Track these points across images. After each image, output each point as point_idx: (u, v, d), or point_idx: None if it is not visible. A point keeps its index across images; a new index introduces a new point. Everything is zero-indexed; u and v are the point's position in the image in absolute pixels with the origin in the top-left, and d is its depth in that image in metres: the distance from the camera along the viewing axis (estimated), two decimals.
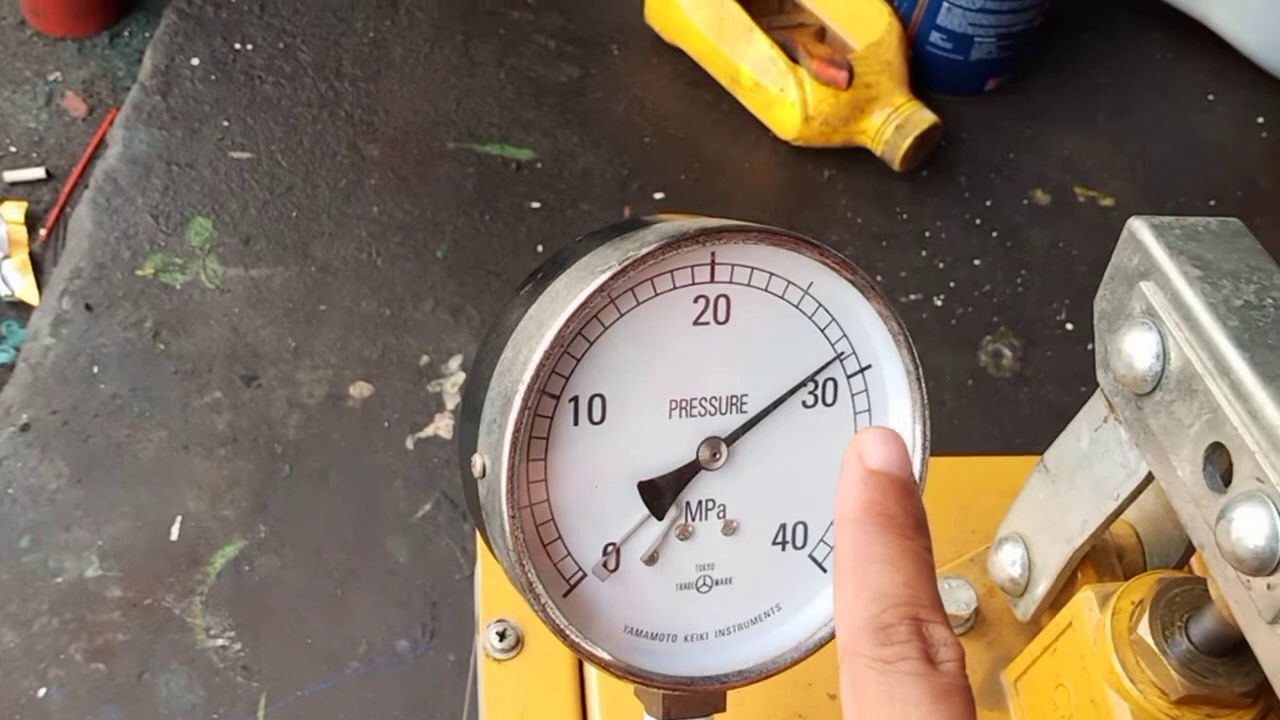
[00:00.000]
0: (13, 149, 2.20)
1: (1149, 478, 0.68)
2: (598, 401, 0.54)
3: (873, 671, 0.44)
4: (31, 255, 2.06)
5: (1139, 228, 0.66)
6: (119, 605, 1.71)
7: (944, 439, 0.58)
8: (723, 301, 0.55)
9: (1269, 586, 0.55)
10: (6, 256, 2.04)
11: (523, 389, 0.51)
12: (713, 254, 0.54)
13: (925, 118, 2.20)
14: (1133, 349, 0.64)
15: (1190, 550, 0.79)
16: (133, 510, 1.78)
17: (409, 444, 1.88)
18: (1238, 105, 2.50)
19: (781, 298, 0.56)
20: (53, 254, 2.06)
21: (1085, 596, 0.72)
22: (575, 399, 0.53)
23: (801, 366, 0.57)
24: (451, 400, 1.93)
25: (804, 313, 0.56)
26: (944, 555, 0.85)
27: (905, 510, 0.49)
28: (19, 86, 2.27)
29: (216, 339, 1.95)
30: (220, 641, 1.70)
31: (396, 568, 1.78)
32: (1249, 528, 0.55)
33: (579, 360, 0.53)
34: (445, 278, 2.06)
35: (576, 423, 0.54)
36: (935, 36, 2.32)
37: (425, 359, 1.96)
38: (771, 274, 0.55)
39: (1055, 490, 0.76)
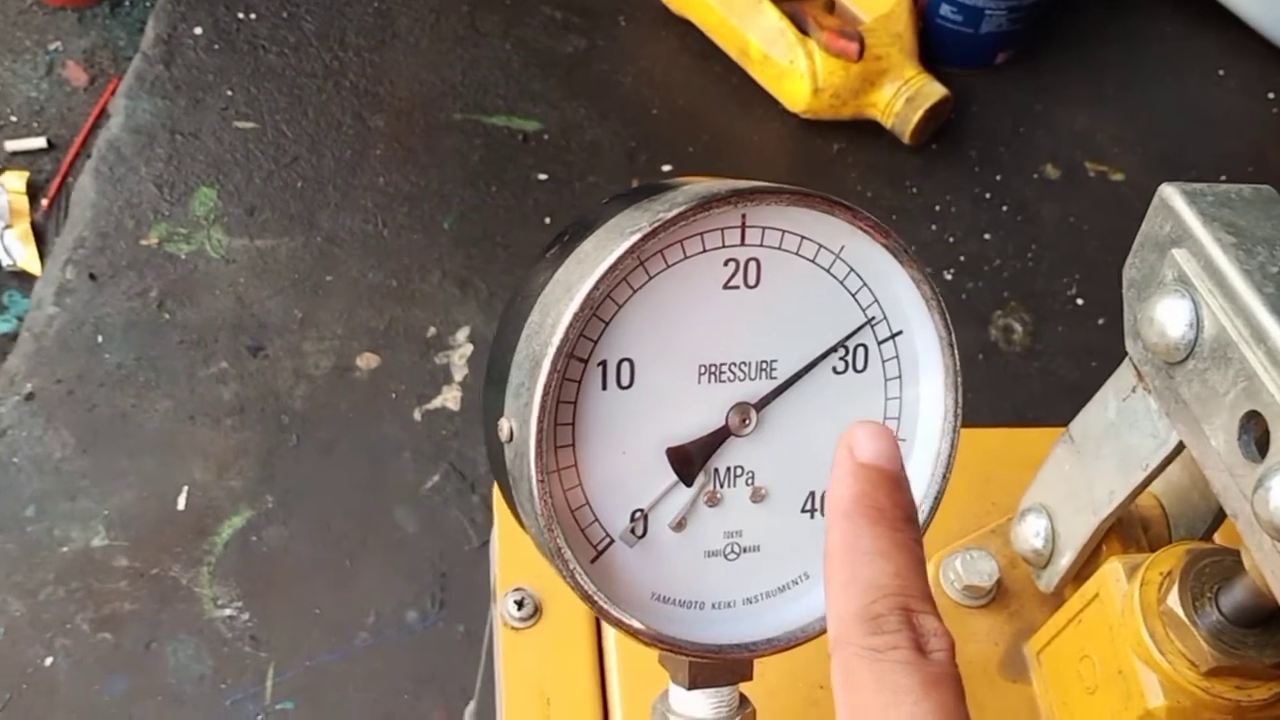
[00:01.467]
0: (14, 118, 2.20)
1: (1179, 448, 0.67)
2: (626, 366, 0.53)
3: (864, 660, 0.45)
4: (33, 225, 2.06)
5: (1171, 194, 0.65)
6: (126, 575, 1.72)
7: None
8: (753, 265, 0.54)
9: None
10: (8, 226, 2.04)
11: (552, 352, 0.50)
12: (744, 216, 0.53)
13: (936, 90, 2.19)
14: (1165, 317, 0.63)
15: (1217, 521, 0.78)
16: (139, 480, 1.79)
17: (416, 415, 1.89)
18: (1248, 79, 2.50)
19: (813, 261, 0.55)
20: (54, 224, 2.06)
21: (1113, 568, 0.71)
22: (603, 363, 0.53)
23: (832, 332, 0.56)
24: (459, 372, 1.93)
25: (835, 277, 0.56)
26: (965, 527, 0.84)
27: (895, 503, 0.49)
28: (19, 56, 2.27)
29: (222, 309, 1.96)
30: (228, 611, 1.71)
31: (405, 539, 1.79)
32: None
33: (607, 324, 0.52)
34: (452, 249, 2.07)
35: (605, 387, 0.53)
36: (945, 9, 2.32)
37: (432, 330, 1.97)
38: (803, 237, 0.55)
39: (1081, 461, 0.76)
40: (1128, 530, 0.79)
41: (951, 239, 2.18)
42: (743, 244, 0.54)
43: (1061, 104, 2.40)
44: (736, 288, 0.54)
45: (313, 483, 1.82)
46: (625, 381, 0.54)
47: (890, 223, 0.55)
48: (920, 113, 2.18)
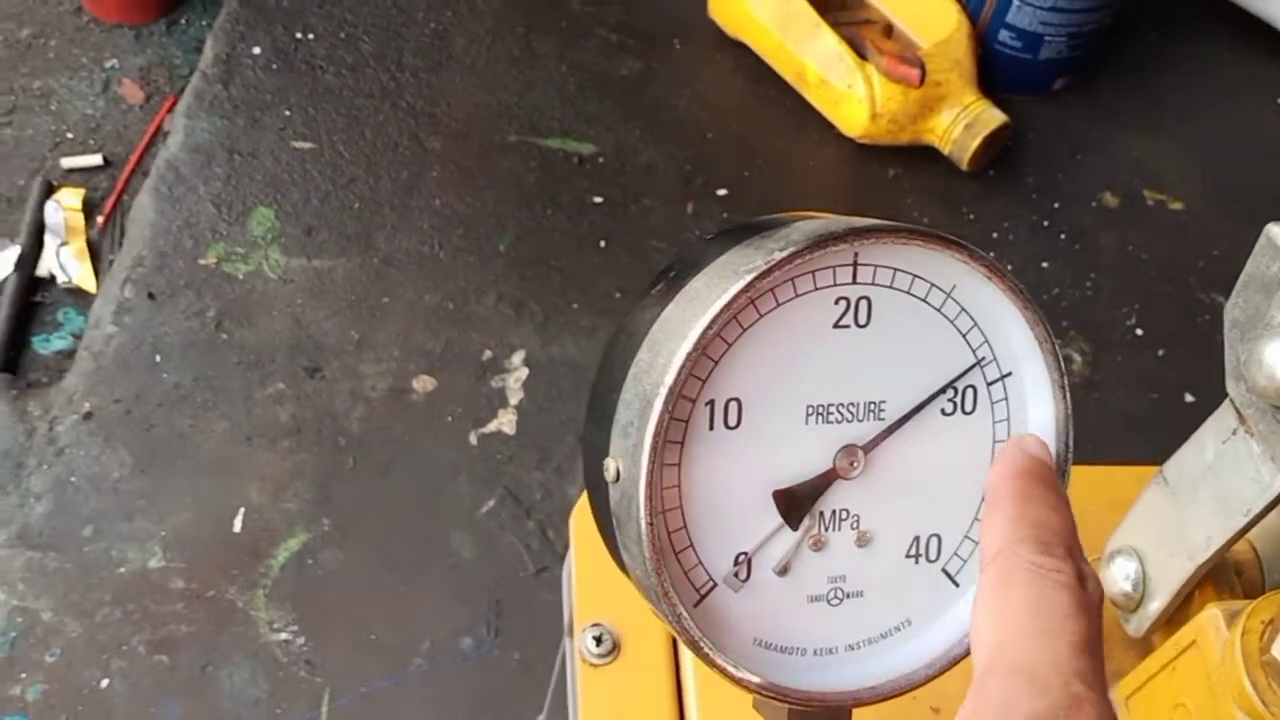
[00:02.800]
0: (70, 135, 2.21)
1: None
2: (734, 406, 0.52)
3: (1027, 572, 0.48)
4: (89, 242, 2.07)
5: (1278, 234, 0.64)
6: (182, 596, 1.72)
7: None
8: (864, 304, 0.53)
9: None
10: (64, 243, 2.05)
11: (664, 391, 0.50)
12: (855, 254, 0.52)
13: (995, 117, 2.19)
14: (1274, 360, 0.63)
15: None
16: (195, 501, 1.80)
17: (472, 439, 1.89)
18: None
19: (924, 300, 0.54)
20: (110, 241, 2.08)
21: (1212, 615, 0.70)
22: (711, 403, 0.52)
23: (941, 372, 0.55)
24: (515, 396, 1.94)
25: (946, 316, 0.55)
26: None
27: (1058, 487, 0.53)
28: (76, 73, 2.29)
29: (279, 330, 1.97)
30: (284, 635, 1.71)
31: (460, 564, 1.79)
32: None
33: (716, 363, 0.51)
34: (507, 272, 2.07)
35: (712, 427, 0.52)
36: (1004, 35, 2.32)
37: (488, 353, 1.97)
38: (915, 276, 0.54)
39: (1176, 503, 0.75)
40: (1222, 576, 0.78)
41: (1009, 267, 2.13)
42: (854, 282, 0.53)
43: (1120, 131, 2.39)
44: (847, 327, 0.53)
45: (369, 506, 1.82)
46: (733, 422, 0.53)
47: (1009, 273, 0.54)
48: (979, 139, 2.17)
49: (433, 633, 1.73)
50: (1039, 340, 0.55)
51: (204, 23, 2.36)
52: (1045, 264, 2.19)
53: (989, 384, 0.56)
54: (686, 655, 0.82)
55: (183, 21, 2.36)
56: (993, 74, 2.33)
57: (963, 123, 2.18)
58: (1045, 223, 2.24)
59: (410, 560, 1.79)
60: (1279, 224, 0.65)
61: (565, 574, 0.89)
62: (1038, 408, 0.57)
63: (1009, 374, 0.56)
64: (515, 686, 1.68)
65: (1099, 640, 0.46)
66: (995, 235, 2.22)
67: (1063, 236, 2.23)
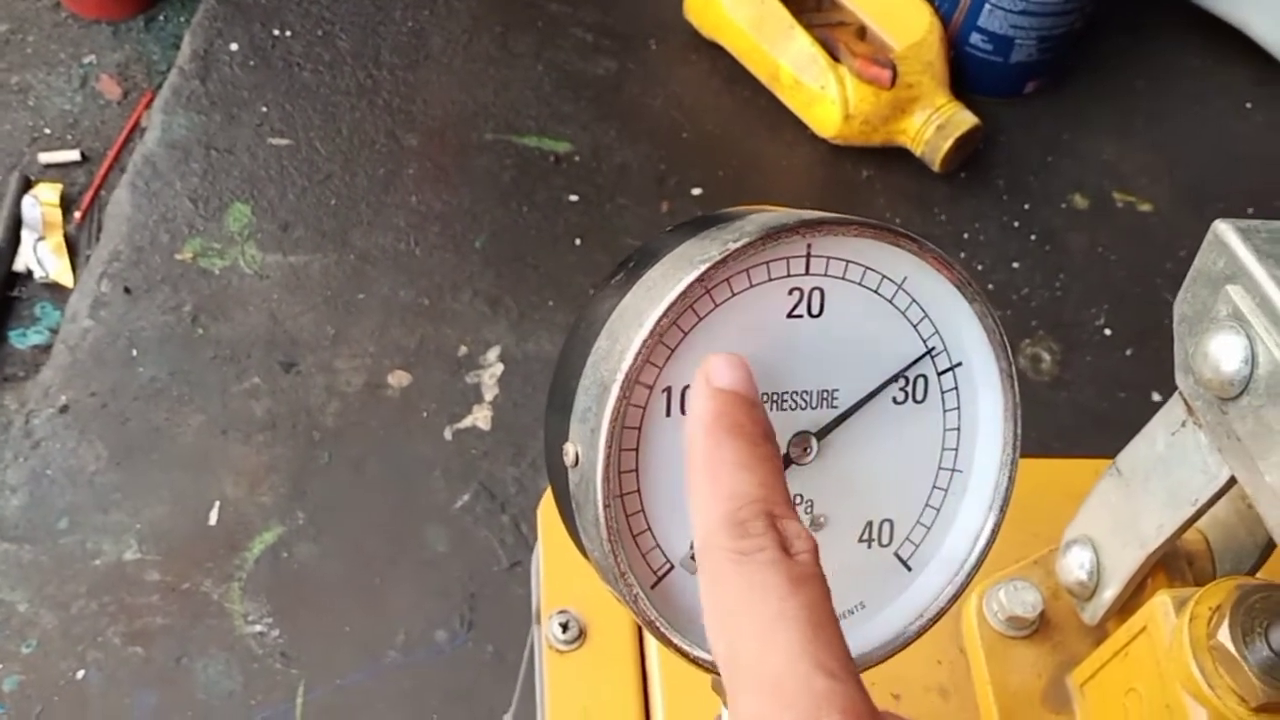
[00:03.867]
0: (47, 131, 2.21)
1: (1230, 483, 0.68)
2: (690, 393, 0.53)
3: (731, 562, 0.46)
4: (66, 237, 2.07)
5: (1225, 231, 0.65)
6: (157, 589, 1.73)
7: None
8: (817, 294, 0.54)
9: None
10: (41, 238, 2.05)
11: (620, 377, 0.51)
12: (809, 246, 0.53)
13: (967, 119, 2.21)
14: (1219, 352, 0.64)
15: (1263, 557, 0.79)
16: (171, 494, 1.81)
17: (447, 434, 1.90)
18: (1276, 113, 2.52)
19: (875, 292, 0.55)
20: (87, 236, 2.08)
21: (1161, 601, 0.71)
22: (668, 389, 0.53)
23: (893, 362, 0.56)
24: (490, 391, 1.95)
25: (897, 308, 0.56)
26: (1007, 557, 0.85)
27: (754, 420, 0.50)
28: (54, 69, 2.29)
29: (255, 325, 1.97)
30: (258, 628, 1.72)
31: (434, 558, 1.80)
32: None
33: (673, 351, 0.52)
34: (483, 268, 2.08)
35: (669, 414, 0.53)
36: (976, 38, 2.33)
37: (463, 349, 1.98)
38: (867, 268, 0.55)
39: (1128, 494, 0.76)
40: (1173, 564, 0.79)
41: (980, 267, 2.20)
42: (807, 273, 0.54)
43: (1090, 134, 2.41)
44: (800, 317, 0.54)
45: (343, 500, 1.83)
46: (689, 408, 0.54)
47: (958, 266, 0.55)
48: (950, 141, 2.19)
49: (407, 625, 1.74)
50: (988, 331, 0.56)
51: (182, 19, 2.36)
52: (1015, 264, 2.21)
53: (939, 373, 0.57)
54: (651, 640, 0.83)
55: (161, 18, 2.37)
56: (964, 76, 2.35)
57: (934, 124, 2.20)
58: (1016, 223, 2.26)
59: (385, 554, 1.80)
60: (1225, 221, 0.66)
61: (533, 563, 0.90)
62: (987, 397, 0.58)
63: (959, 364, 0.57)
64: (489, 679, 1.70)
65: (824, 602, 0.46)
66: (966, 235, 2.23)
67: (1033, 237, 2.25)
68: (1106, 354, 2.10)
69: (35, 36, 2.32)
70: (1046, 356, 2.09)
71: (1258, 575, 0.79)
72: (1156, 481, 0.74)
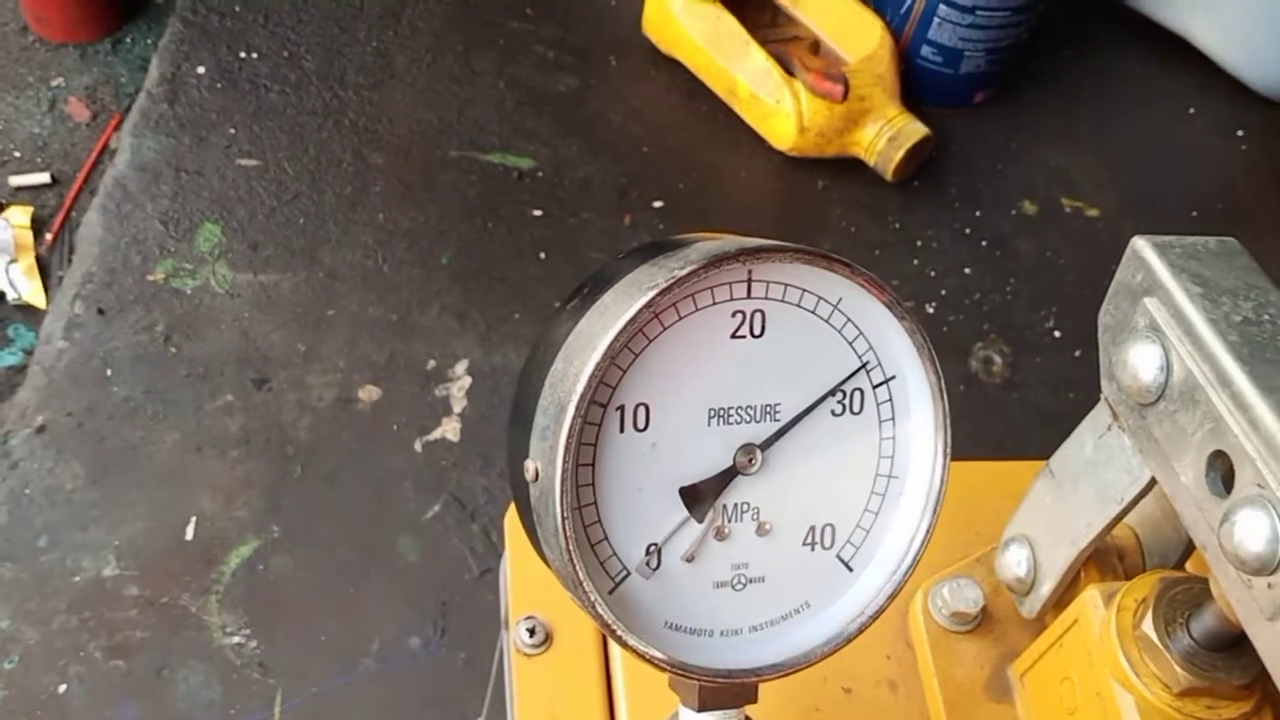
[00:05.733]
0: (17, 154, 2.22)
1: (1151, 482, 0.70)
2: (642, 410, 0.56)
3: None
4: (38, 259, 2.08)
5: (1142, 247, 0.68)
6: (136, 603, 1.73)
7: None
8: (758, 316, 0.57)
9: (1269, 585, 0.58)
10: (13, 260, 2.06)
11: (576, 398, 0.53)
12: (750, 272, 0.56)
13: (917, 130, 2.24)
14: (1137, 361, 0.67)
15: (1188, 551, 0.81)
16: (148, 510, 1.81)
17: (417, 446, 1.91)
18: (1218, 118, 2.55)
19: (813, 312, 0.58)
20: (59, 258, 2.08)
21: (1091, 595, 0.74)
22: (621, 408, 0.56)
23: (830, 377, 0.59)
24: (458, 404, 1.96)
25: (834, 327, 0.59)
26: (950, 556, 0.87)
27: None
28: (22, 92, 2.29)
29: (227, 343, 1.98)
30: (236, 639, 1.72)
31: (407, 567, 1.80)
32: (1251, 531, 0.58)
33: (625, 371, 0.55)
34: (450, 284, 2.09)
35: (622, 430, 0.56)
36: (926, 50, 2.37)
37: (432, 363, 1.99)
38: (804, 290, 0.58)
39: (1060, 494, 0.79)
40: (1105, 559, 0.81)
41: (933, 273, 2.22)
42: (749, 297, 0.57)
43: (1038, 142, 2.44)
44: (743, 337, 0.57)
45: (317, 513, 1.84)
46: (641, 424, 0.56)
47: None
48: (902, 151, 2.22)
49: (381, 634, 1.75)
50: (917, 348, 0.59)
51: (149, 41, 2.36)
52: (967, 270, 2.23)
53: (874, 387, 0.60)
54: (615, 644, 0.85)
55: (128, 40, 2.37)
56: (916, 88, 2.38)
57: (886, 135, 2.23)
58: (967, 230, 2.29)
59: (358, 564, 1.80)
60: (1143, 237, 0.69)
61: (501, 572, 0.92)
62: (919, 408, 0.61)
63: (893, 377, 0.60)
64: (461, 684, 1.70)
65: None
66: (919, 243, 2.25)
67: (984, 243, 2.27)
68: (1056, 355, 2.12)
69: (2, 60, 2.33)
70: (998, 359, 2.12)
71: (1184, 568, 0.81)
72: (1085, 482, 0.76)
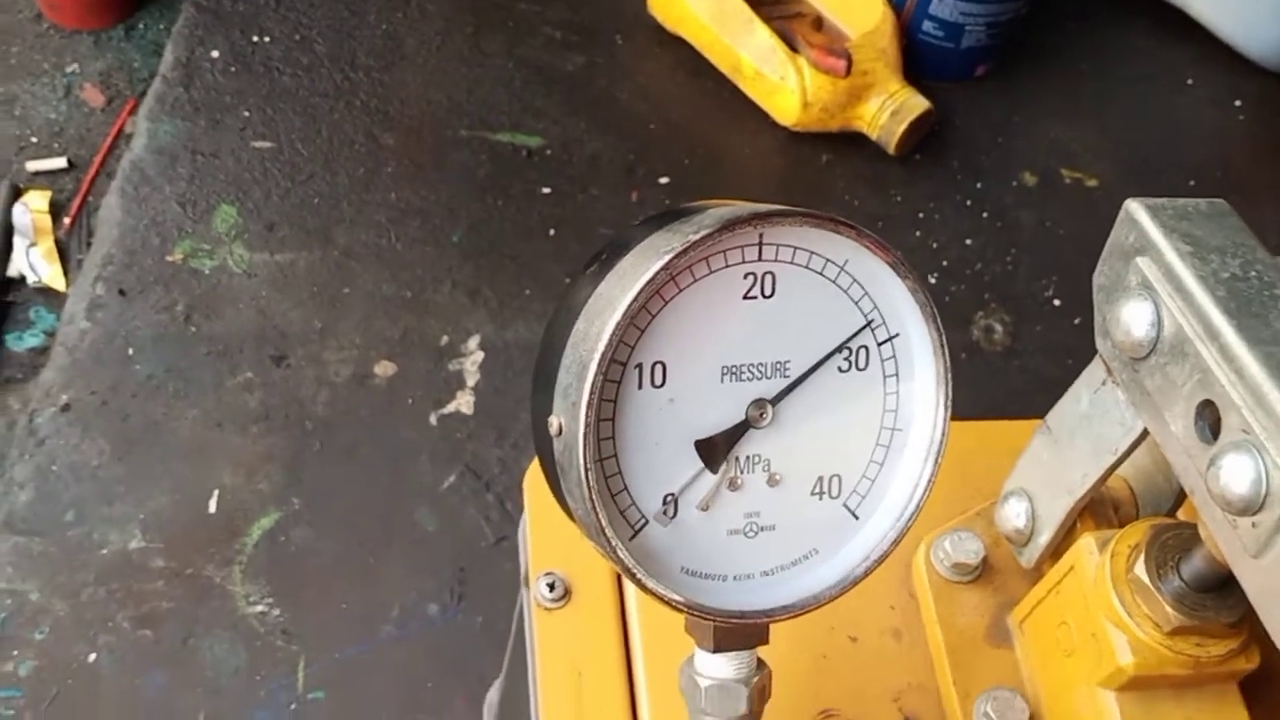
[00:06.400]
0: (34, 140, 2.23)
1: (1144, 434, 0.72)
2: (659, 368, 0.59)
3: None
4: (57, 242, 2.09)
5: (1135, 209, 0.70)
6: (162, 575, 1.75)
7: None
8: (769, 278, 0.59)
9: (1254, 525, 0.60)
10: (33, 244, 2.07)
11: (598, 356, 0.56)
12: (761, 235, 0.58)
13: (919, 104, 2.25)
14: (1130, 318, 0.69)
15: (1179, 500, 0.83)
16: (172, 485, 1.83)
17: (432, 420, 1.93)
18: (1216, 89, 2.56)
19: (820, 274, 0.60)
20: (78, 241, 2.10)
21: (1086, 542, 0.77)
22: (640, 365, 0.58)
23: (837, 334, 0.61)
24: (471, 378, 1.97)
25: (840, 287, 0.61)
26: (952, 511, 0.89)
27: None
28: (38, 79, 2.30)
29: (245, 321, 1.99)
30: (260, 608, 1.74)
31: (424, 537, 1.82)
32: (1236, 474, 0.60)
33: (643, 331, 0.57)
34: (462, 261, 2.10)
35: (640, 387, 0.59)
36: (927, 25, 2.37)
37: (445, 339, 2.01)
38: (812, 253, 0.60)
39: (1057, 448, 0.80)
40: (1100, 510, 0.84)
41: (935, 244, 2.23)
42: (760, 260, 0.59)
43: (1038, 115, 2.45)
44: (755, 298, 0.59)
45: (336, 485, 1.85)
46: (658, 381, 0.59)
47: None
48: (904, 125, 2.23)
49: (401, 600, 1.77)
50: (920, 306, 0.61)
51: (161, 27, 2.37)
52: (969, 241, 2.24)
53: (879, 344, 0.62)
54: (631, 596, 0.87)
55: (140, 26, 2.38)
56: (917, 63, 2.38)
57: (889, 110, 2.24)
58: (969, 202, 2.30)
59: (377, 534, 1.82)
60: (1136, 200, 0.71)
61: (521, 531, 0.94)
62: (922, 364, 0.63)
63: (896, 335, 0.62)
64: (479, 648, 1.72)
65: None
66: (921, 215, 2.27)
67: (985, 215, 2.29)
68: (1056, 323, 2.14)
69: (18, 48, 2.34)
70: (999, 327, 2.13)
71: (1176, 516, 0.83)
72: (1081, 436, 0.78)
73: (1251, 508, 0.60)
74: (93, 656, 1.70)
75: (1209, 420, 0.64)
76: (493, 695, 1.40)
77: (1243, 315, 0.63)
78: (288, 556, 1.79)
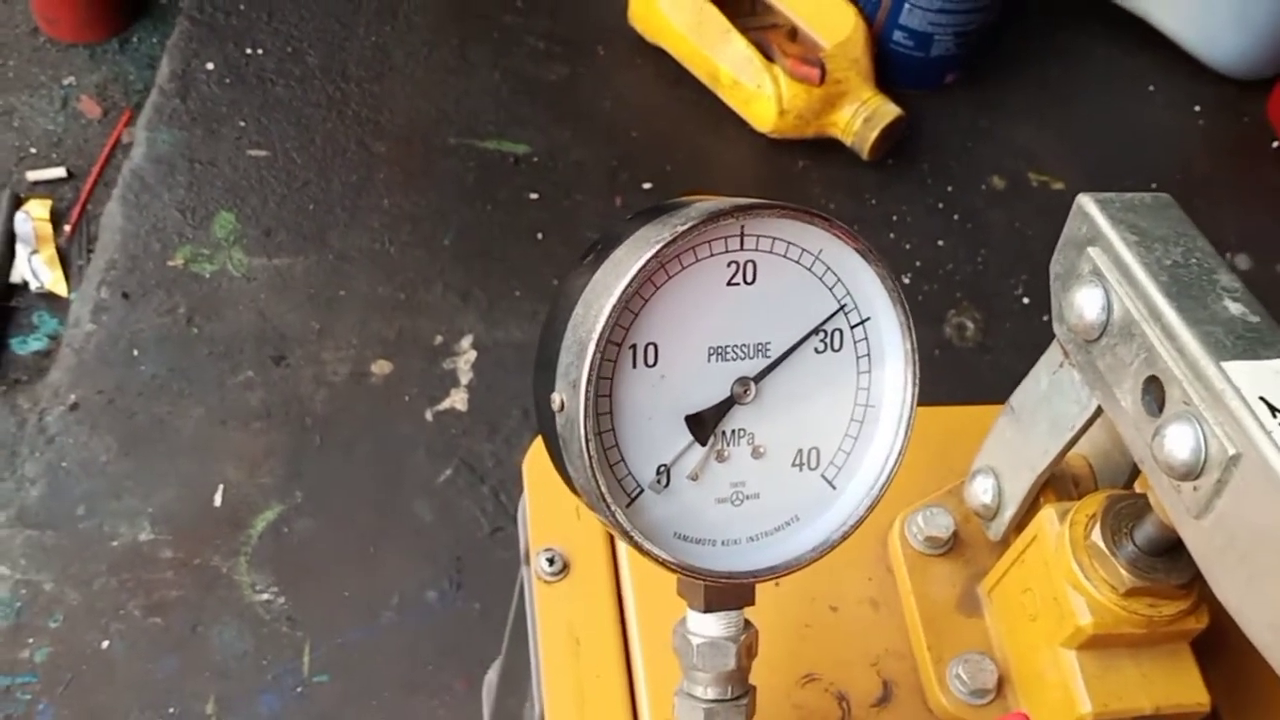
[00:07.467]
0: (33, 150, 2.24)
1: (1098, 411, 0.75)
2: (652, 348, 0.61)
3: None
4: (58, 249, 2.10)
5: (1086, 202, 0.74)
6: (171, 565, 1.78)
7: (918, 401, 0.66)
8: (751, 265, 0.62)
9: (1195, 488, 0.64)
10: (35, 251, 2.09)
11: (596, 336, 0.58)
12: (742, 227, 0.61)
13: (891, 110, 2.27)
14: (1083, 303, 0.72)
15: (1134, 476, 0.86)
16: (178, 480, 1.85)
17: (428, 416, 1.95)
18: (1177, 95, 2.59)
19: (797, 262, 0.63)
20: (78, 248, 2.11)
21: (1047, 513, 0.80)
22: (634, 346, 0.61)
23: (813, 318, 0.64)
24: (465, 376, 1.99)
25: (815, 275, 0.64)
26: (925, 490, 0.91)
27: None
28: (36, 91, 2.31)
29: (246, 323, 2.01)
30: (265, 596, 1.77)
31: (422, 527, 1.85)
32: (1179, 442, 0.63)
33: (636, 315, 0.60)
34: (453, 264, 2.12)
35: (635, 366, 0.61)
36: (898, 35, 2.40)
37: (439, 338, 2.03)
38: (790, 243, 0.63)
39: (1020, 428, 0.84)
40: (1061, 485, 0.87)
41: (908, 246, 2.26)
42: (742, 249, 0.62)
43: (1006, 120, 2.47)
44: (738, 284, 0.62)
45: (336, 479, 1.88)
46: (651, 361, 0.62)
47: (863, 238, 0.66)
48: (877, 131, 2.26)
49: (401, 588, 1.80)
50: (888, 291, 0.64)
51: (154, 40, 2.38)
52: (940, 242, 2.27)
53: (852, 327, 0.66)
54: (625, 568, 0.89)
55: (134, 40, 2.39)
56: (889, 71, 2.40)
57: (862, 117, 2.26)
58: (940, 205, 2.33)
59: (377, 525, 1.84)
60: (1087, 194, 0.75)
61: (520, 511, 0.96)
62: (891, 344, 0.66)
63: (868, 319, 0.65)
64: (477, 632, 1.75)
65: None
66: (895, 218, 2.29)
67: (956, 217, 2.31)
68: (1025, 320, 2.17)
69: (16, 61, 2.34)
70: (970, 325, 2.17)
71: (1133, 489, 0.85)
72: (1041, 415, 0.81)
73: (1193, 473, 0.64)
74: (105, 643, 1.73)
75: (1154, 395, 0.68)
76: (491, 676, 1.42)
77: (1183, 298, 0.67)
78: (291, 547, 1.82)
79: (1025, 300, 2.23)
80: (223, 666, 1.72)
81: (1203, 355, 0.64)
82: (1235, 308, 0.68)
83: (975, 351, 2.15)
